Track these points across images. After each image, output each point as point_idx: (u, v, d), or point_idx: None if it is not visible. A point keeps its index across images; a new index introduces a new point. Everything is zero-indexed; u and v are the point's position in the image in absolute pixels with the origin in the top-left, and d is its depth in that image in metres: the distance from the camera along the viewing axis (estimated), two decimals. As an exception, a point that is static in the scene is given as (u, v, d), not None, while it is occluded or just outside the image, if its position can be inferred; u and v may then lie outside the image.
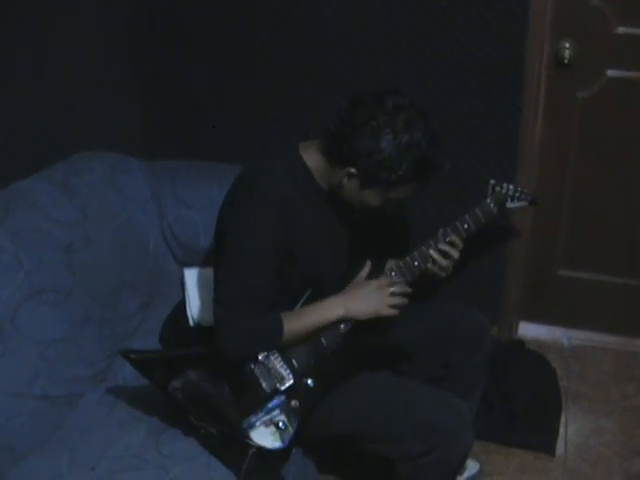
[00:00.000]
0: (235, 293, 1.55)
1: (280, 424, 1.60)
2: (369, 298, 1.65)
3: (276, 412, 1.60)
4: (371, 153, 1.47)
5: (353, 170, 1.51)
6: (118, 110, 2.41)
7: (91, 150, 2.12)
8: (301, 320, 1.62)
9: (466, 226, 1.75)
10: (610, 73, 2.14)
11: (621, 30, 2.07)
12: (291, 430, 1.60)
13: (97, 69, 2.27)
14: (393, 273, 1.70)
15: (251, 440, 1.59)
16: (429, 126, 1.49)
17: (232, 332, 1.54)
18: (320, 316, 1.63)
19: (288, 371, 1.62)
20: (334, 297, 1.65)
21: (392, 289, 1.67)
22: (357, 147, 1.48)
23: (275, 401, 1.61)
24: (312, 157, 1.60)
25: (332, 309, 1.63)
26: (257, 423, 1.60)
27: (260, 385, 1.60)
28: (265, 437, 1.60)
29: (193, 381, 1.59)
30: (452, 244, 1.72)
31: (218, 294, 1.56)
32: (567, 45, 2.10)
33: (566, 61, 2.11)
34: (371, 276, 1.73)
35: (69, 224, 1.87)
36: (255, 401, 1.61)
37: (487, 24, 2.05)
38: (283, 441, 1.60)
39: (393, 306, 1.66)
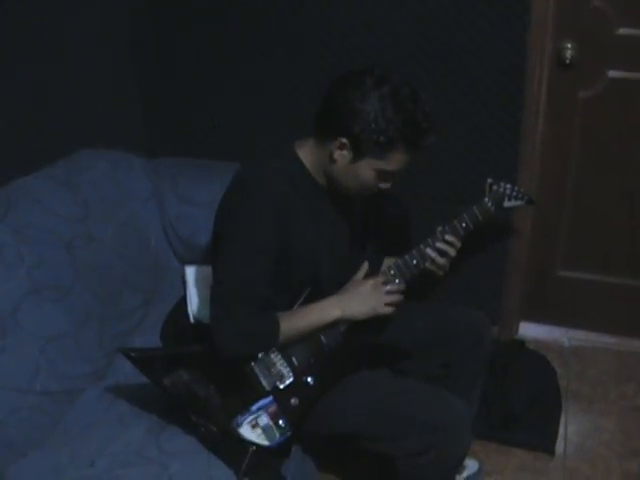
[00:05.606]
0: (232, 293, 1.54)
1: (265, 425, 1.60)
2: (365, 298, 1.65)
3: (260, 413, 1.60)
4: (359, 114, 1.48)
5: (344, 140, 1.51)
6: (120, 107, 2.42)
7: (93, 147, 2.12)
8: (298, 321, 1.61)
9: (464, 225, 1.76)
10: (611, 74, 2.14)
11: (622, 31, 2.07)
12: (277, 434, 1.60)
13: (98, 66, 2.27)
14: (392, 272, 1.71)
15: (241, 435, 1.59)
16: (415, 92, 1.51)
17: (229, 332, 1.54)
18: (317, 318, 1.63)
19: (288, 369, 1.62)
20: (330, 299, 1.65)
21: (387, 287, 1.68)
22: (345, 113, 1.49)
23: (260, 402, 1.61)
24: (307, 153, 1.61)
25: (328, 311, 1.63)
26: (244, 423, 1.60)
27: (260, 383, 1.61)
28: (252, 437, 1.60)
29: (184, 380, 1.59)
30: (450, 243, 1.73)
31: (215, 294, 1.56)
32: (569, 45, 2.10)
33: (567, 61, 2.11)
34: (369, 276, 1.72)
35: (71, 221, 1.88)
36: (251, 398, 1.61)
37: (489, 24, 2.05)
38: (271, 441, 1.60)
39: (389, 304, 1.67)
